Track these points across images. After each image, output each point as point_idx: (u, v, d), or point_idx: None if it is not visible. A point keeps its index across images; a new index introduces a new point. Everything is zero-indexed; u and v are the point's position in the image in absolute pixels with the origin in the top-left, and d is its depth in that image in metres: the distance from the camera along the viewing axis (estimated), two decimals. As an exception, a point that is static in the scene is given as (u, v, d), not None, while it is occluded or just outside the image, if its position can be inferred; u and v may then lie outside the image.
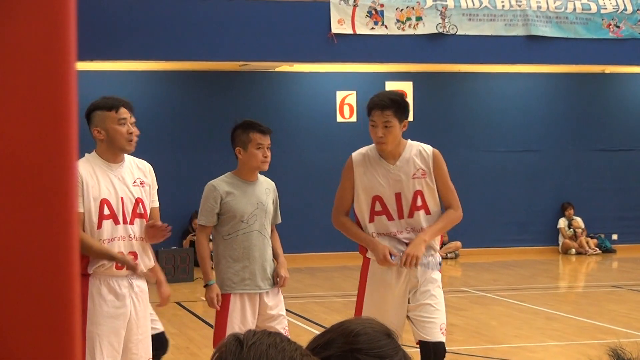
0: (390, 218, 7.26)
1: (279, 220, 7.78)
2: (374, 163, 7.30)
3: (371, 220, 7.25)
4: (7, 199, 2.01)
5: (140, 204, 6.22)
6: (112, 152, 6.21)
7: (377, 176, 7.25)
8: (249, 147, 7.30)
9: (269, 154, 7.40)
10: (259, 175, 7.60)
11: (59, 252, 1.99)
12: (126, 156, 6.34)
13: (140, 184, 6.29)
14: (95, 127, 6.13)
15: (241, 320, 7.21)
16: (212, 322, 12.09)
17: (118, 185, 6.14)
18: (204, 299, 7.41)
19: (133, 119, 6.42)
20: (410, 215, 7.34)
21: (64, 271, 2.00)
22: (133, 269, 6.22)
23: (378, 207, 7.23)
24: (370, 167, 7.25)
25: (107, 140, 6.10)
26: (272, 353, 2.08)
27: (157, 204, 6.57)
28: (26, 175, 1.97)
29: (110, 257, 6.06)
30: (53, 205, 2.00)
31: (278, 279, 7.29)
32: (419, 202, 7.33)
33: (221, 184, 7.37)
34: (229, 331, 6.73)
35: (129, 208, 6.16)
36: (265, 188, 7.54)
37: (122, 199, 6.11)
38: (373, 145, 7.38)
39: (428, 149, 7.57)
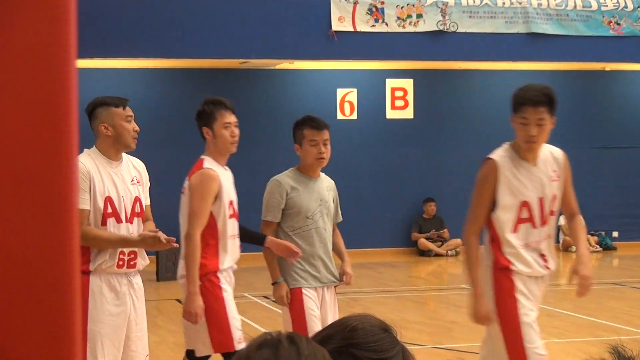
0: (534, 225, 6.89)
1: (340, 219, 7.74)
2: (517, 165, 6.98)
3: (515, 230, 6.82)
4: (8, 196, 1.99)
5: (138, 203, 6.23)
6: (115, 149, 6.19)
7: (523, 179, 6.94)
8: (304, 143, 7.23)
9: (325, 149, 7.27)
10: (320, 172, 7.52)
11: (59, 249, 1.96)
12: (123, 154, 6.33)
13: (137, 182, 6.30)
14: (102, 122, 6.09)
15: (314, 313, 7.17)
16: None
17: (119, 183, 6.13)
18: (273, 298, 7.42)
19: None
20: (547, 221, 7.00)
21: (64, 268, 2.00)
22: (150, 246, 6.36)
23: (525, 214, 6.84)
24: (515, 170, 6.91)
25: (114, 136, 6.07)
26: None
27: (149, 202, 6.59)
28: (27, 172, 1.95)
29: (125, 241, 6.10)
30: (53, 202, 1.97)
31: (345, 277, 7.33)
32: (555, 208, 7.03)
33: (286, 179, 7.30)
34: (310, 324, 6.90)
35: (129, 207, 6.16)
36: (327, 185, 7.52)
37: (123, 197, 6.11)
38: (507, 145, 7.19)
39: (558, 151, 7.30)
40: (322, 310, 7.22)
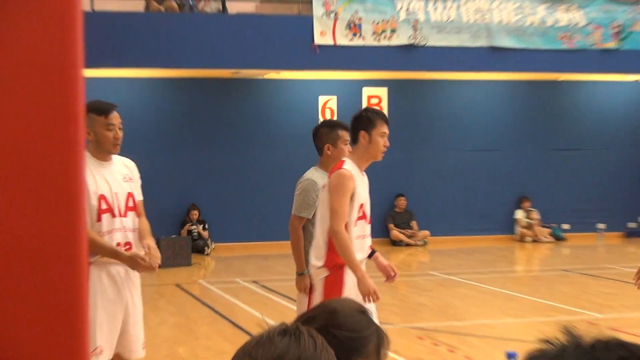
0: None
1: None
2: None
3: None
4: (22, 193, 1.91)
5: (131, 198, 6.20)
6: (100, 152, 6.13)
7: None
8: (339, 143, 7.18)
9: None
10: None
11: (70, 242, 1.90)
12: (113, 155, 6.29)
13: (129, 179, 6.25)
14: (86, 128, 5.95)
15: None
16: (209, 303, 12.36)
17: (111, 181, 6.10)
18: (296, 286, 7.33)
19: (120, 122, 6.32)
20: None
21: (75, 258, 1.95)
22: (133, 266, 6.14)
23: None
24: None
25: (95, 141, 6.03)
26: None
27: (141, 197, 6.47)
28: (39, 172, 1.90)
29: (115, 254, 6.00)
30: (64, 200, 1.91)
31: None
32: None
33: (318, 179, 7.21)
34: None
35: (122, 202, 6.13)
36: None
37: (116, 193, 6.08)
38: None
39: None
40: None
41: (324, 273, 6.61)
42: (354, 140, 6.78)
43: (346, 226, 6.57)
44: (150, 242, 6.34)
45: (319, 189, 7.07)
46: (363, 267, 6.60)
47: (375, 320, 2.90)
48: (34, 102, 1.75)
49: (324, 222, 6.67)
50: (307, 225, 7.18)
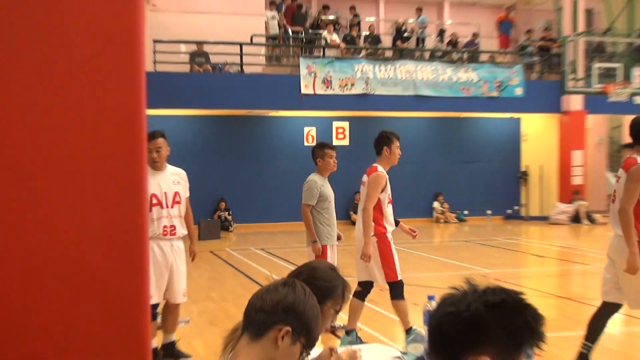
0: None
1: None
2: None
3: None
4: (106, 192, 1.77)
5: (177, 195, 6.04)
6: (150, 166, 5.77)
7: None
8: (326, 158, 7.06)
9: (335, 162, 7.18)
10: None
11: (137, 224, 1.79)
12: (168, 166, 6.16)
13: (177, 183, 6.08)
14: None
15: (331, 260, 6.99)
16: (232, 263, 12.44)
17: (162, 184, 5.96)
18: (311, 249, 6.95)
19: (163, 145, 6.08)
20: None
21: (141, 236, 1.82)
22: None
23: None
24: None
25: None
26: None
27: (188, 194, 6.28)
28: (121, 177, 1.79)
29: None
30: (134, 196, 1.82)
31: (340, 237, 7.22)
32: None
33: (317, 179, 7.06)
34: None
35: (170, 198, 5.98)
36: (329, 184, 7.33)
37: (165, 192, 5.94)
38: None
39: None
40: (331, 258, 6.98)
41: (374, 239, 6.52)
42: (378, 153, 6.78)
43: (381, 208, 6.55)
44: (194, 247, 6.45)
45: (320, 186, 7.00)
46: (390, 235, 6.61)
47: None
48: (115, 133, 1.71)
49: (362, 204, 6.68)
50: (312, 210, 6.99)
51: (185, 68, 18.15)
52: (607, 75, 17.26)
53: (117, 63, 1.63)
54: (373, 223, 6.53)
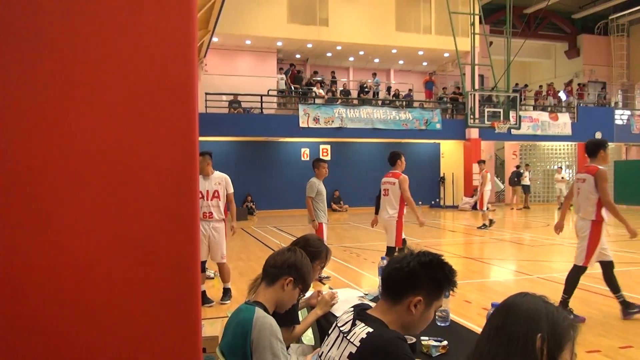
0: None
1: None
2: None
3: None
4: (165, 195, 1.56)
5: (216, 192, 5.72)
6: (201, 174, 5.67)
7: None
8: (320, 167, 6.93)
9: (327, 170, 6.97)
10: None
11: (191, 208, 1.58)
12: (215, 172, 5.85)
13: (219, 184, 5.73)
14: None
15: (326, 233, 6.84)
16: (256, 236, 12.22)
17: (207, 185, 5.66)
18: (312, 226, 6.77)
19: (210, 161, 5.80)
20: None
21: (194, 217, 1.60)
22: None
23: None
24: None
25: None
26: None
27: (231, 190, 5.91)
28: (178, 184, 1.58)
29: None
30: (188, 196, 1.60)
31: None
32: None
33: (316, 181, 6.89)
34: (325, 238, 6.57)
35: (210, 194, 5.67)
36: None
37: (207, 190, 5.66)
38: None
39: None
40: (325, 231, 6.87)
41: (396, 218, 6.31)
42: (393, 164, 6.48)
43: (402, 200, 6.27)
44: (234, 224, 6.04)
45: (317, 185, 6.86)
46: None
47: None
48: (179, 152, 1.58)
49: (397, 196, 6.31)
50: (312, 201, 6.83)
51: (225, 110, 18.02)
52: (494, 116, 17.20)
53: (179, 105, 1.59)
54: (398, 209, 6.29)
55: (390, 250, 6.38)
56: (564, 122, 20.96)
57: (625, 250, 9.55)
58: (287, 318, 2.40)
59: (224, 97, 18.27)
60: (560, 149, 22.82)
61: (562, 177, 20.30)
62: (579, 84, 23.43)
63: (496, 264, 8.34)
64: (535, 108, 21.39)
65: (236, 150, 18.54)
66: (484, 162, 13.87)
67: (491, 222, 13.61)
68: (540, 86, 23.45)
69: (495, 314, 1.32)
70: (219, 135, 17.25)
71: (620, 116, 22.38)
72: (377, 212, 6.69)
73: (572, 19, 23.86)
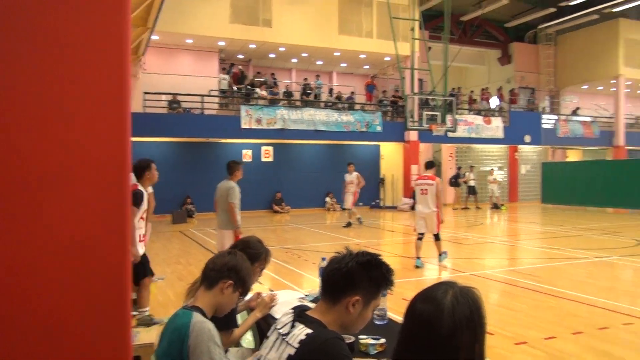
0: None
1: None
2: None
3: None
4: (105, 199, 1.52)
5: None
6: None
7: None
8: (240, 169, 6.51)
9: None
10: None
11: (120, 217, 1.52)
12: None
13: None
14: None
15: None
16: (194, 239, 12.01)
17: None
18: (232, 233, 6.32)
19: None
20: None
21: (123, 224, 1.55)
22: None
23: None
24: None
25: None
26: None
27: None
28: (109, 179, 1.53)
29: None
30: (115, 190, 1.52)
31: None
32: None
33: (236, 185, 6.45)
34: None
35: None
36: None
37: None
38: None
39: None
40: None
41: (436, 212, 7.90)
42: (429, 168, 8.29)
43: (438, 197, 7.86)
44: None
45: (239, 189, 6.41)
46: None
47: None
48: (110, 152, 1.52)
49: (434, 194, 7.91)
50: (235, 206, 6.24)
51: (164, 110, 17.60)
52: (432, 119, 17.72)
53: (110, 104, 1.54)
54: (436, 204, 7.91)
55: (436, 236, 8.00)
56: (496, 126, 21.97)
57: (551, 247, 10.18)
58: (225, 322, 2.38)
59: (163, 97, 17.87)
60: (493, 151, 23.86)
61: (495, 179, 21.24)
62: (510, 90, 24.60)
63: (433, 262, 8.60)
64: (470, 112, 22.26)
65: (176, 151, 18.18)
66: (352, 163, 14.72)
67: (359, 220, 14.18)
68: (472, 91, 24.51)
69: (411, 304, 1.38)
70: (158, 135, 16.85)
71: (548, 120, 23.70)
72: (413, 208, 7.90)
73: (505, 27, 25.04)
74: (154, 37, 16.57)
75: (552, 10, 22.49)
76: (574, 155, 27.16)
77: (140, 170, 4.91)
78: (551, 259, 8.91)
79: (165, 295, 6.44)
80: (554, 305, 5.77)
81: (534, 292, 6.31)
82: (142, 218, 4.82)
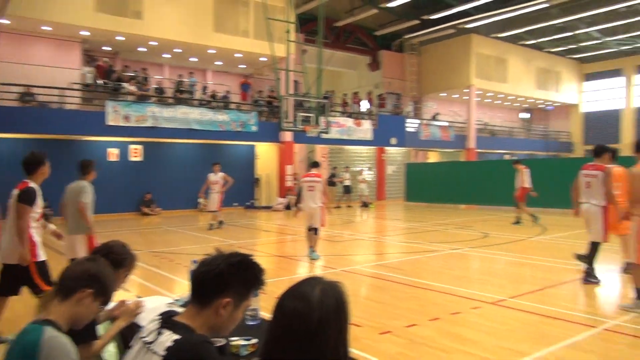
0: None
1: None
2: None
3: None
4: None
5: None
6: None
7: None
8: (93, 169, 5.96)
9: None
10: None
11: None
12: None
13: None
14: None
15: None
16: (59, 251, 11.01)
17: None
18: (83, 236, 5.77)
19: None
20: None
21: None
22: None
23: None
24: None
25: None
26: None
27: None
28: None
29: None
30: None
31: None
32: None
33: (89, 185, 5.86)
34: None
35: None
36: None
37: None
38: None
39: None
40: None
41: (321, 206, 7.32)
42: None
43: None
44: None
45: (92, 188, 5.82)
46: None
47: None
48: None
49: (320, 192, 7.69)
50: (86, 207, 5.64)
51: (16, 103, 15.92)
52: (306, 120, 18.16)
53: None
54: None
55: (316, 230, 7.79)
56: (366, 128, 23.19)
57: (414, 242, 11.01)
58: (84, 334, 2.24)
59: (14, 88, 16.14)
60: (363, 153, 25.15)
61: (364, 179, 22.42)
62: (378, 95, 26.10)
63: (306, 261, 8.77)
64: (342, 114, 23.21)
65: (29, 148, 16.23)
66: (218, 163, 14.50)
67: (221, 223, 14.03)
68: (345, 94, 25.67)
69: (279, 302, 1.40)
70: (8, 131, 15.27)
71: (411, 124, 25.58)
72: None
73: (374, 35, 26.49)
74: (4, 21, 14.94)
75: (416, 22, 24.27)
76: (434, 157, 29.64)
77: (33, 165, 4.48)
78: (414, 252, 9.67)
79: (13, 310, 5.85)
80: (416, 295, 6.13)
81: (400, 284, 6.81)
82: (39, 218, 4.36)
